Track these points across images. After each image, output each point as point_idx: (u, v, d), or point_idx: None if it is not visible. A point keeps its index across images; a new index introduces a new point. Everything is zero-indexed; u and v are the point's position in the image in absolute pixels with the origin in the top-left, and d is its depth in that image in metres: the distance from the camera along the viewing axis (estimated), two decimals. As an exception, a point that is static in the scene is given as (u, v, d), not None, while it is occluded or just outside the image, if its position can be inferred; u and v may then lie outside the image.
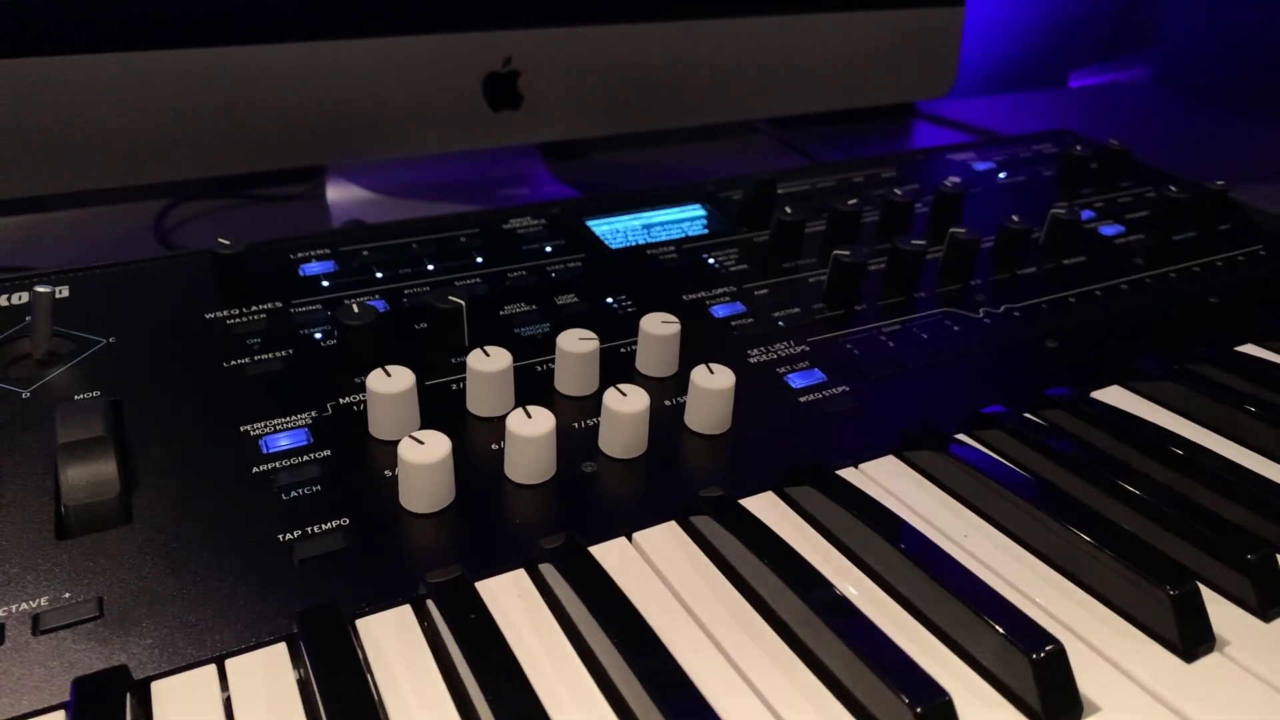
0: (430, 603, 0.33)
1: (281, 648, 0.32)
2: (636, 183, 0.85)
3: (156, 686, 0.30)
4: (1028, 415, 0.45)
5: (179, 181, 0.76)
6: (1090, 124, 1.11)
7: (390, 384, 0.40)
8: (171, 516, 0.36)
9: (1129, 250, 0.61)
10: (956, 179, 0.64)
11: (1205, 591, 0.35)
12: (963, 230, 0.55)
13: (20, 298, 0.46)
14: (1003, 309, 0.53)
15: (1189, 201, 0.63)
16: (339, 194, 0.76)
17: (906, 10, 0.83)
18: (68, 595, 0.32)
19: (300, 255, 0.51)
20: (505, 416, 0.39)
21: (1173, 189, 0.63)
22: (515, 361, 0.45)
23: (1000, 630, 0.31)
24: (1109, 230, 0.63)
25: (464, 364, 0.43)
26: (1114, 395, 0.48)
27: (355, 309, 0.44)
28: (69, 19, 0.55)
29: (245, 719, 0.29)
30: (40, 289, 0.42)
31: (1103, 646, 0.33)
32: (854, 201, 0.58)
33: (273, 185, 0.80)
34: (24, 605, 0.32)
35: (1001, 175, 0.70)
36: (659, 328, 0.45)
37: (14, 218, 0.71)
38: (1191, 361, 0.49)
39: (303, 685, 0.30)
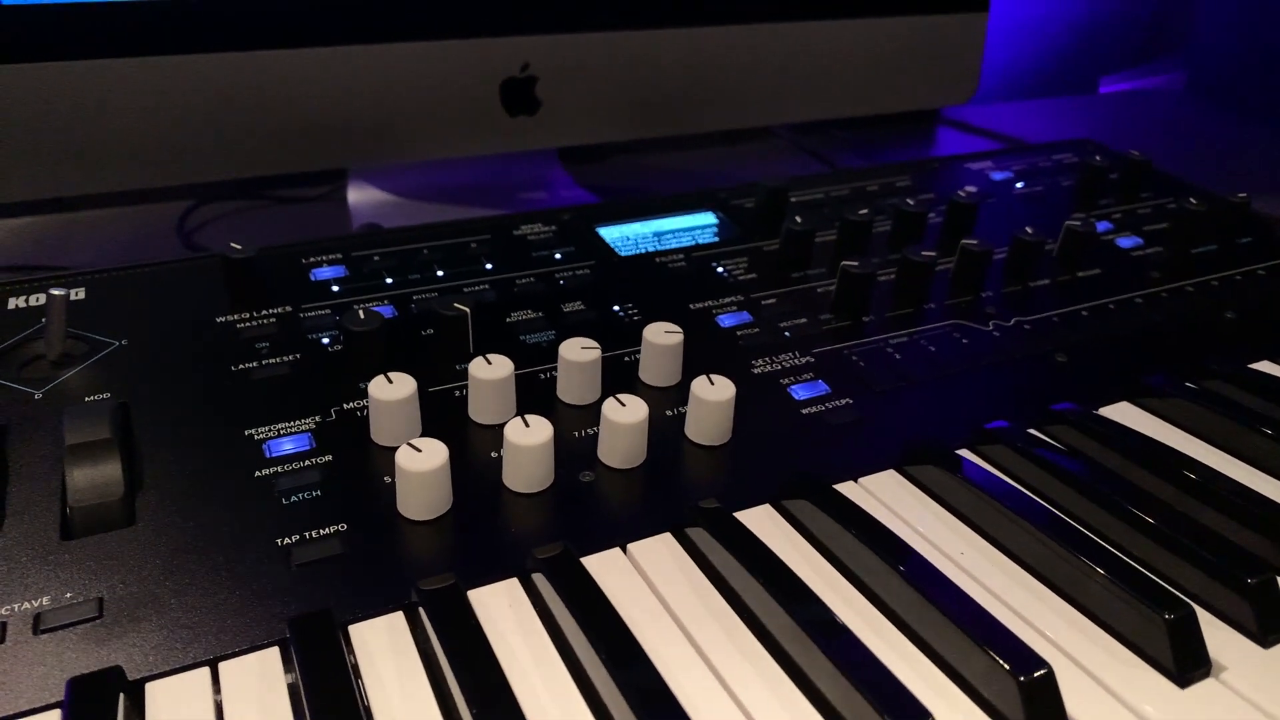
0: (422, 610, 0.33)
1: (274, 652, 0.32)
2: (655, 187, 0.85)
3: (150, 687, 0.30)
4: (1032, 431, 0.45)
5: (203, 183, 0.77)
6: (1119, 131, 1.10)
7: (392, 391, 0.40)
8: (174, 519, 0.36)
9: (1146, 263, 0.60)
10: (972, 188, 0.63)
11: (1204, 615, 0.35)
12: (974, 241, 0.55)
13: (37, 299, 0.46)
14: (1013, 322, 0.53)
15: (1209, 214, 0.62)
16: (359, 196, 0.76)
17: (927, 17, 0.82)
18: (69, 595, 0.33)
19: (312, 259, 0.52)
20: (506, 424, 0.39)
21: (1192, 201, 0.62)
22: (519, 369, 0.45)
23: (989, 651, 0.31)
24: (1126, 242, 0.62)
25: (468, 371, 0.43)
26: (1123, 411, 0.47)
27: (361, 315, 0.44)
28: (96, 24, 0.56)
29: (235, 717, 0.30)
30: (55, 291, 0.43)
31: (1096, 670, 0.33)
32: (865, 211, 0.58)
33: (295, 187, 0.81)
34: (26, 604, 0.32)
35: (1019, 185, 0.69)
36: (662, 337, 0.45)
37: (42, 217, 0.72)
38: (1203, 378, 0.49)
39: (293, 690, 0.31)
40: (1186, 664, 0.33)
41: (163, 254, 0.63)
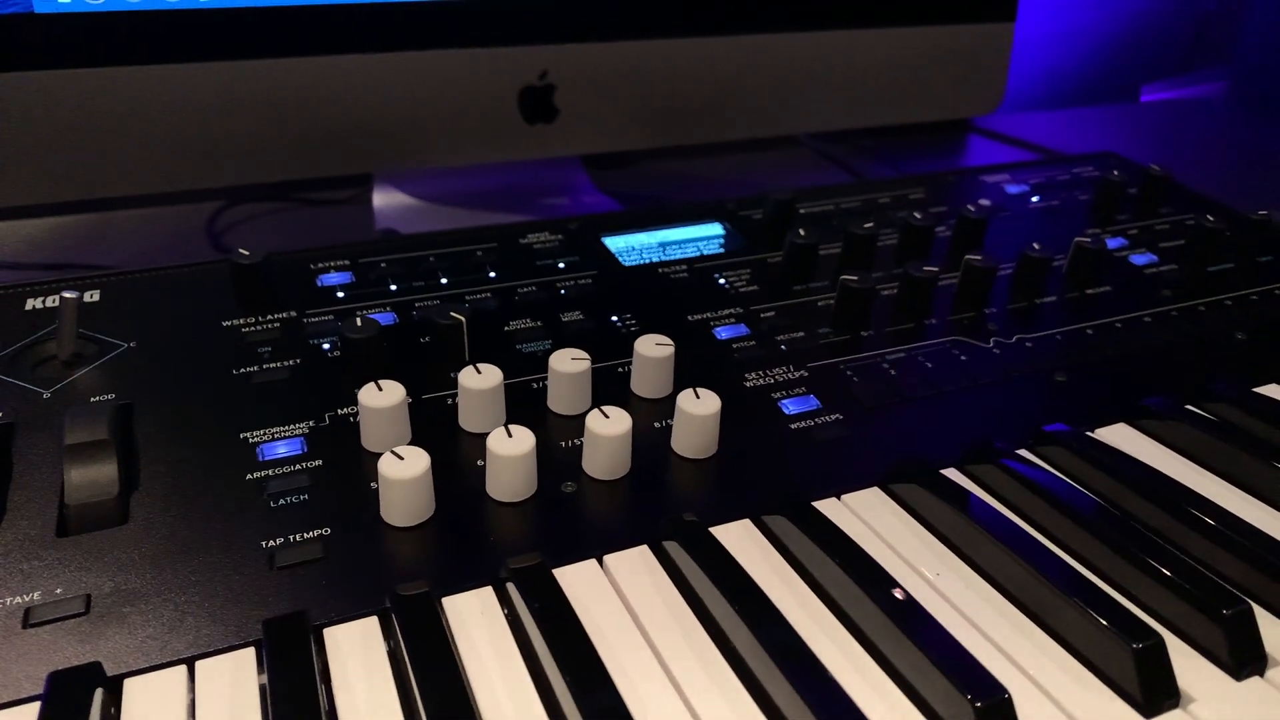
0: (394, 615, 0.34)
1: (250, 652, 0.33)
2: (677, 195, 0.85)
3: (128, 683, 0.31)
4: (1023, 452, 0.44)
5: (233, 186, 0.79)
6: (1156, 141, 1.08)
7: (381, 398, 0.41)
8: (165, 519, 0.37)
9: (1158, 281, 0.59)
10: (985, 202, 0.63)
11: (1179, 644, 0.35)
12: (978, 257, 0.54)
13: (54, 301, 0.48)
14: (1015, 339, 0.52)
15: (1225, 231, 0.60)
16: (384, 200, 0.77)
17: (952, 26, 0.81)
18: (59, 591, 0.34)
19: (319, 266, 0.53)
20: (491, 434, 0.40)
21: (1209, 218, 0.61)
22: (515, 378, 0.46)
23: (947, 675, 0.31)
24: (1140, 259, 0.61)
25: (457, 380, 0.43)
26: (1119, 434, 0.46)
27: (358, 322, 0.45)
28: (129, 31, 0.57)
29: (206, 716, 0.31)
30: (67, 295, 0.44)
31: (1061, 697, 0.32)
32: (870, 224, 0.57)
33: (322, 190, 0.83)
34: (18, 599, 0.34)
35: (1035, 199, 0.68)
36: (652, 350, 0.45)
37: (77, 216, 0.75)
38: (1205, 401, 0.48)
39: (264, 690, 0.31)
40: (1154, 694, 0.32)
41: (192, 254, 0.65)
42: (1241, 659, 0.34)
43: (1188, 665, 0.34)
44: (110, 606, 0.34)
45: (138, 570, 0.35)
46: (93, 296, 0.49)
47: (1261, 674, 0.34)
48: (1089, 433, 0.46)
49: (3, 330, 0.46)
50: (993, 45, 0.85)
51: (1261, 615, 0.36)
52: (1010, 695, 0.30)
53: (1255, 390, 0.49)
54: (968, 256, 0.54)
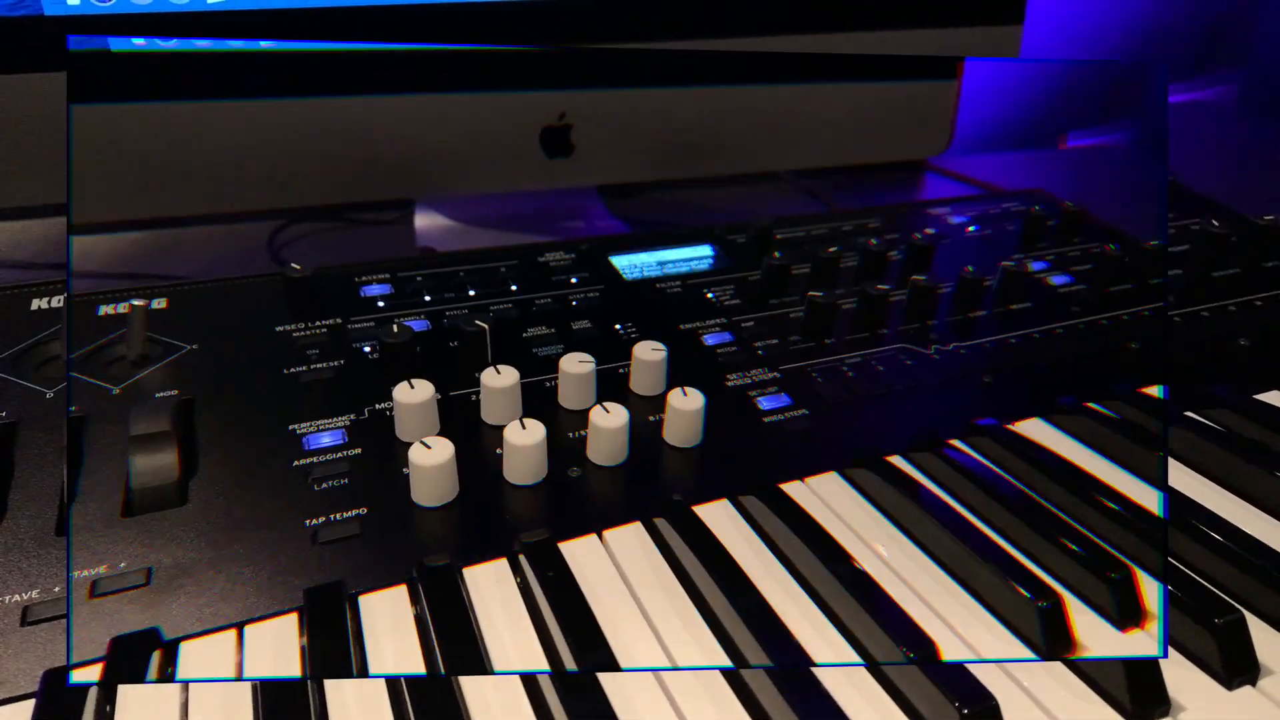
0: (420, 585, 0.32)
1: (293, 618, 0.31)
2: (678, 220, 0.83)
3: (185, 646, 0.30)
4: (956, 442, 0.42)
5: (292, 208, 0.77)
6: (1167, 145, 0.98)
7: (413, 395, 0.39)
8: (220, 501, 0.35)
9: (1072, 299, 0.56)
10: (931, 231, 0.61)
11: (1171, 652, 0.31)
12: (923, 278, 0.52)
13: (123, 308, 0.46)
14: (952, 347, 0.50)
15: (1231, 236, 0.56)
16: (425, 222, 0.76)
17: (904, 83, 0.80)
18: (123, 565, 0.32)
19: (363, 279, 0.51)
20: (509, 426, 0.38)
21: (1215, 223, 0.56)
22: (531, 378, 0.44)
23: (889, 633, 0.29)
24: (1058, 280, 0.58)
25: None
26: (1034, 427, 0.44)
27: (395, 329, 0.43)
28: (209, 71, 0.55)
29: (252, 674, 0.29)
30: (136, 302, 0.42)
31: (1051, 704, 0.29)
32: (834, 249, 0.56)
33: (370, 211, 0.81)
34: (86, 572, 0.32)
35: (972, 229, 0.66)
36: (648, 354, 0.44)
37: (153, 232, 0.72)
38: (1203, 407, 0.44)
39: (303, 650, 0.30)
40: (1144, 702, 0.29)
41: (255, 267, 0.63)
42: (1233, 668, 0.30)
43: (1179, 674, 0.30)
44: (169, 579, 0.32)
45: (194, 546, 0.33)
46: (161, 304, 0.47)
47: (1253, 683, 0.30)
48: (1007, 426, 0.44)
49: (78, 333, 0.44)
50: (939, 99, 0.83)
51: (1254, 623, 0.32)
52: (998, 701, 0.28)
53: (1255, 397, 0.45)
54: (914, 277, 0.53)
